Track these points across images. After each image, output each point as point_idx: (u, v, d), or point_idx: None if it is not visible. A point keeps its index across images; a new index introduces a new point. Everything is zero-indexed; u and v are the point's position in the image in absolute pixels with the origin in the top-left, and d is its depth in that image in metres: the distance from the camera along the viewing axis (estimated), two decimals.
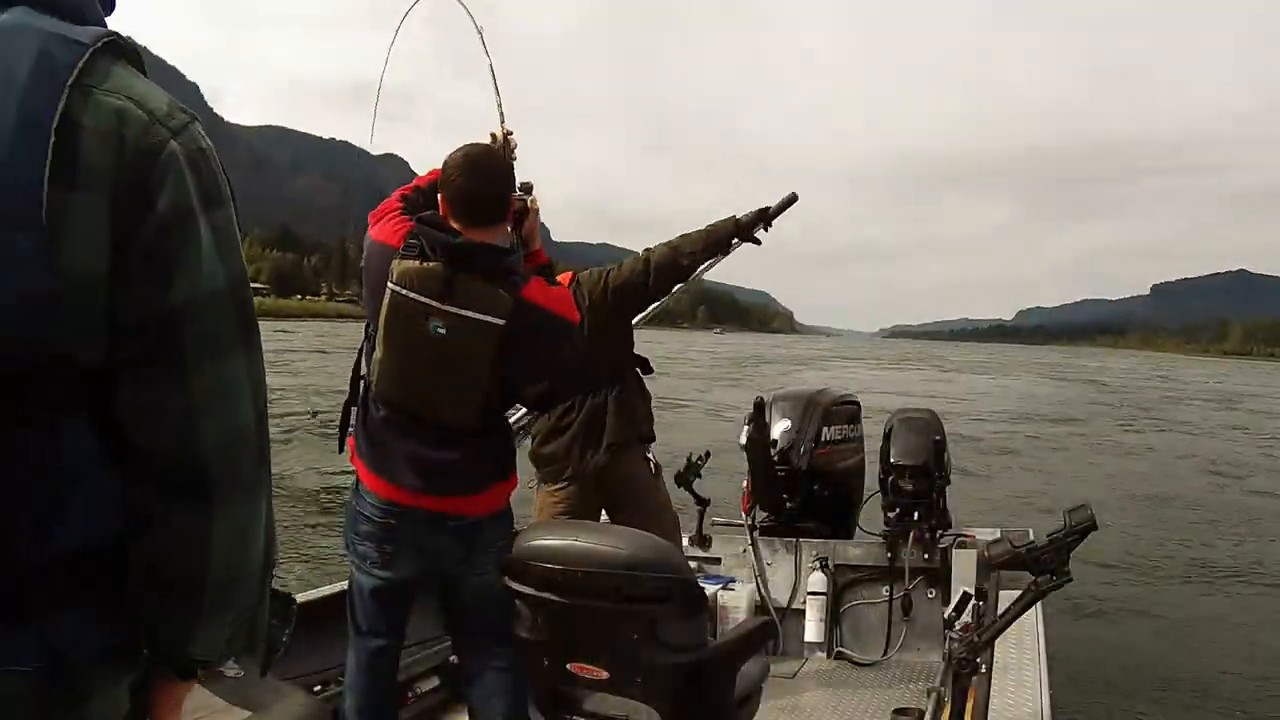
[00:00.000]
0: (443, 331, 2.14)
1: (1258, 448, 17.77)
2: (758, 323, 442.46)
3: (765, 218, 3.15)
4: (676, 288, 3.23)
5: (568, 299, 2.35)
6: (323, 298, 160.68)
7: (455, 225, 2.20)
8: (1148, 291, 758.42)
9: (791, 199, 3.17)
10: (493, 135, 2.54)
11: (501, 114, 2.63)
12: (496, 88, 2.68)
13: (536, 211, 2.47)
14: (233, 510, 0.88)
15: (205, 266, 0.84)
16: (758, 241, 3.18)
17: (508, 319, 2.14)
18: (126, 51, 0.88)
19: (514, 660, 2.35)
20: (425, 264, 2.15)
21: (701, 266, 3.16)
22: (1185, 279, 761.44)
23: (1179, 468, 13.50)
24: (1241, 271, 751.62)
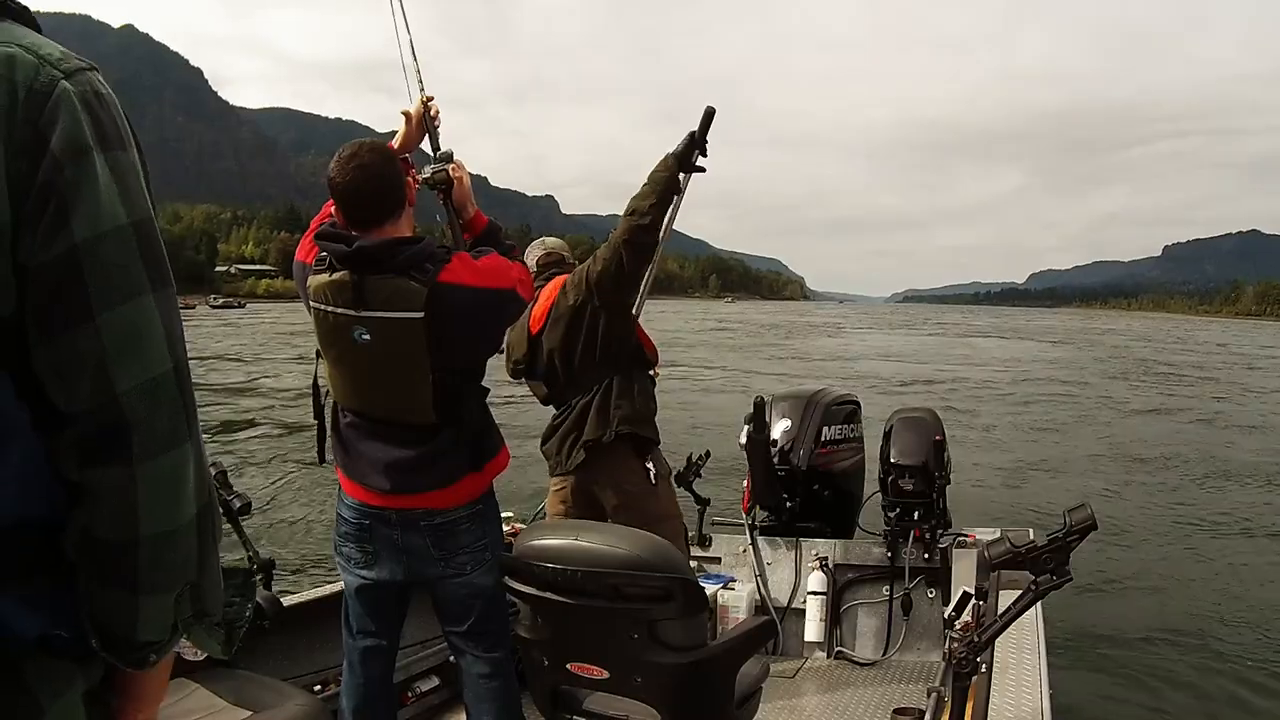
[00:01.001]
0: (367, 338, 2.11)
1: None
2: (769, 290, 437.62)
3: (695, 142, 2.99)
4: (656, 248, 3.06)
5: (499, 267, 2.22)
6: None
7: (353, 229, 2.15)
8: (1159, 253, 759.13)
9: (710, 112, 3.00)
10: (405, 114, 2.41)
11: (420, 80, 2.48)
12: (414, 52, 2.51)
13: (462, 179, 2.39)
14: (156, 464, 0.83)
15: (104, 201, 0.81)
16: (702, 169, 3.01)
17: (425, 309, 2.08)
18: (15, 12, 0.86)
19: (504, 664, 2.34)
20: (333, 275, 2.12)
21: (667, 217, 3.00)
22: (1197, 240, 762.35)
23: (1183, 450, 13.43)
24: (1254, 232, 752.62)
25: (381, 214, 2.15)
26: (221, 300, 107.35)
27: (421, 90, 2.45)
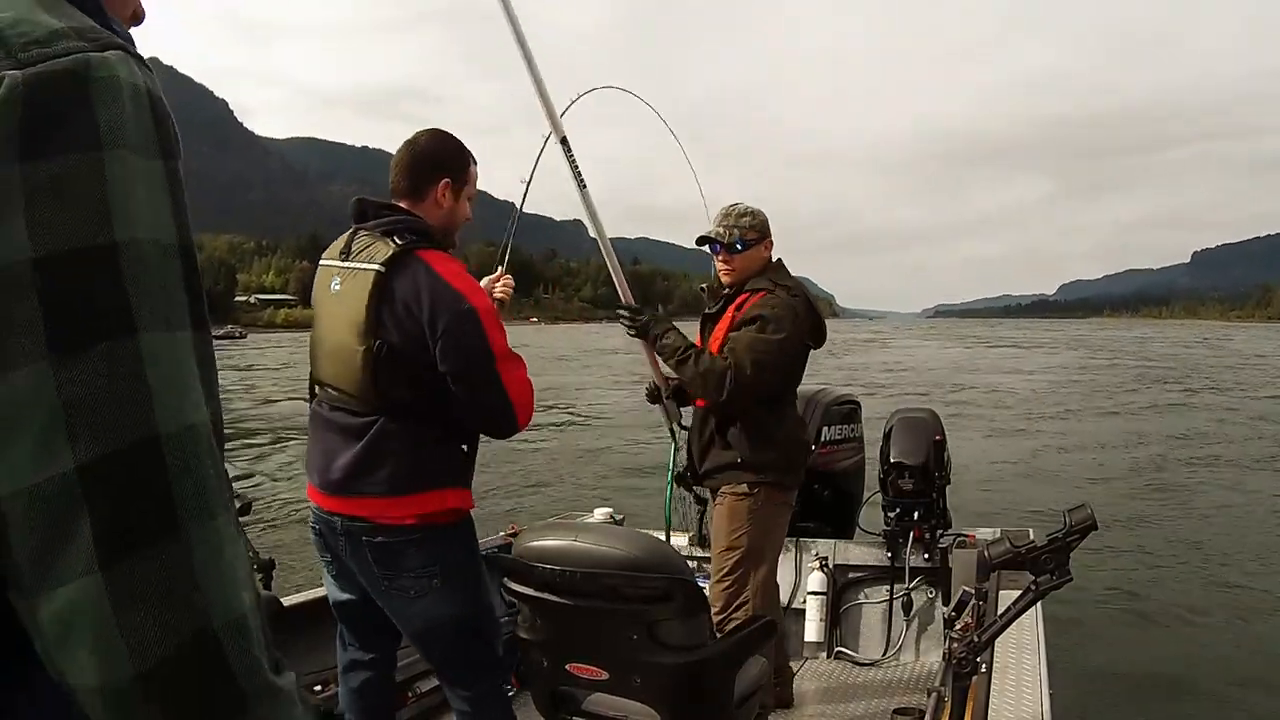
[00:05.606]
0: (339, 288, 2.15)
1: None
2: None
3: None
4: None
5: (471, 284, 2.14)
6: None
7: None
8: (1189, 259, 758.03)
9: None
10: (491, 279, 2.57)
11: (505, 256, 2.84)
12: (508, 243, 2.97)
13: (505, 301, 2.52)
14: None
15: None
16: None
17: (387, 265, 2.07)
18: None
19: (485, 702, 2.22)
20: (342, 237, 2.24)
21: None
22: (1226, 245, 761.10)
23: (1186, 453, 13.42)
24: None
25: (406, 182, 2.23)
26: (223, 331, 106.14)
27: (503, 268, 2.68)
